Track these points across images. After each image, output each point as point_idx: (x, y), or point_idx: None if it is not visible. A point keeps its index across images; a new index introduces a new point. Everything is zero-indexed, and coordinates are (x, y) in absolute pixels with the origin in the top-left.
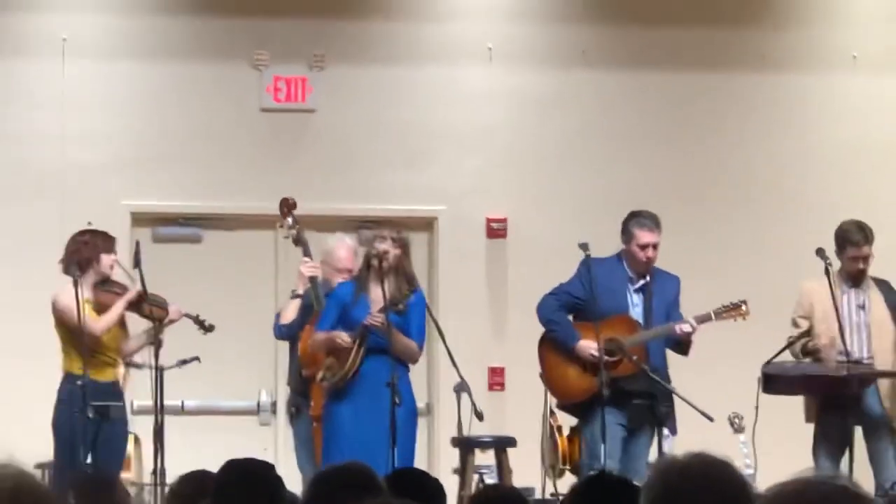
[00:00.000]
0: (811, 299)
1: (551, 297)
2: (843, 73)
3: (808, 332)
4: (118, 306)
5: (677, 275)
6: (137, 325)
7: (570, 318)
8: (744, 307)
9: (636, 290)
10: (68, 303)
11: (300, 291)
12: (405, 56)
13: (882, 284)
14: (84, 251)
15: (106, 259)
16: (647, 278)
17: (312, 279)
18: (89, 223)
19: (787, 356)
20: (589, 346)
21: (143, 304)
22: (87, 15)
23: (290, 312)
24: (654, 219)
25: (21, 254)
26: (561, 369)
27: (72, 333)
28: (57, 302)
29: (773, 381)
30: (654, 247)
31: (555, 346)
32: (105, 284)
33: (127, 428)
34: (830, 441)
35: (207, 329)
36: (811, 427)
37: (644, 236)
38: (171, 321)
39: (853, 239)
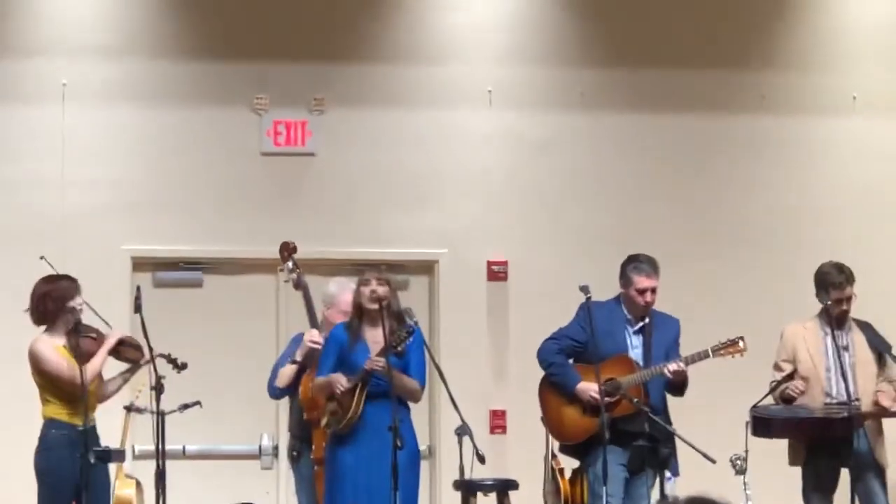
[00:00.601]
0: (794, 342)
1: (551, 341)
2: (843, 115)
3: (791, 376)
4: (102, 353)
5: (677, 317)
6: (113, 368)
7: (570, 361)
8: (741, 343)
9: (635, 332)
10: (50, 352)
11: (299, 358)
12: (405, 99)
13: (864, 326)
14: (50, 301)
15: (73, 304)
16: (647, 320)
17: (315, 351)
18: (42, 257)
19: (771, 399)
20: (589, 387)
21: (121, 347)
22: (87, 60)
23: (287, 378)
24: (651, 263)
25: (21, 300)
26: (561, 411)
27: (56, 381)
28: (38, 352)
29: (762, 425)
30: (653, 291)
31: (555, 389)
32: (77, 329)
33: (108, 471)
34: (821, 483)
35: (180, 367)
36: (797, 470)
37: (642, 282)
38: (147, 362)
39: (835, 281)
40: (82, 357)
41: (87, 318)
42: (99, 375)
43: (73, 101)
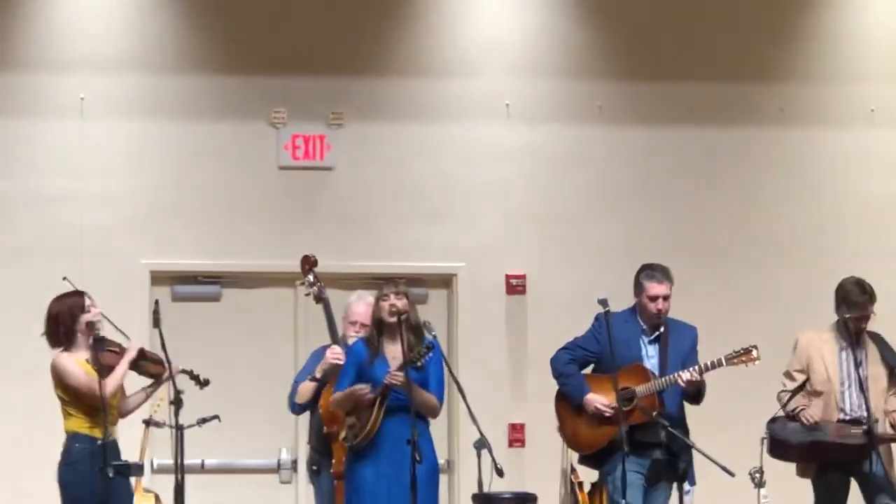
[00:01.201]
0: (809, 353)
1: (564, 351)
2: (862, 128)
3: (803, 387)
4: (123, 366)
5: (694, 326)
6: (135, 383)
7: (589, 370)
8: (754, 352)
9: (651, 342)
10: (72, 366)
11: (319, 375)
12: (423, 113)
13: (876, 338)
14: (61, 323)
15: (85, 318)
16: (662, 329)
17: (336, 367)
18: (64, 278)
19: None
20: (595, 399)
21: (142, 361)
22: (105, 74)
23: (307, 394)
24: (664, 271)
25: (40, 315)
26: (573, 422)
27: (78, 395)
28: (60, 367)
29: (779, 447)
30: (665, 298)
31: (567, 399)
32: (100, 343)
33: (131, 485)
34: (833, 497)
35: (203, 384)
36: (807, 482)
37: (654, 288)
38: (169, 378)
39: (857, 300)
40: (104, 370)
41: (107, 332)
42: (121, 390)
43: (91, 116)
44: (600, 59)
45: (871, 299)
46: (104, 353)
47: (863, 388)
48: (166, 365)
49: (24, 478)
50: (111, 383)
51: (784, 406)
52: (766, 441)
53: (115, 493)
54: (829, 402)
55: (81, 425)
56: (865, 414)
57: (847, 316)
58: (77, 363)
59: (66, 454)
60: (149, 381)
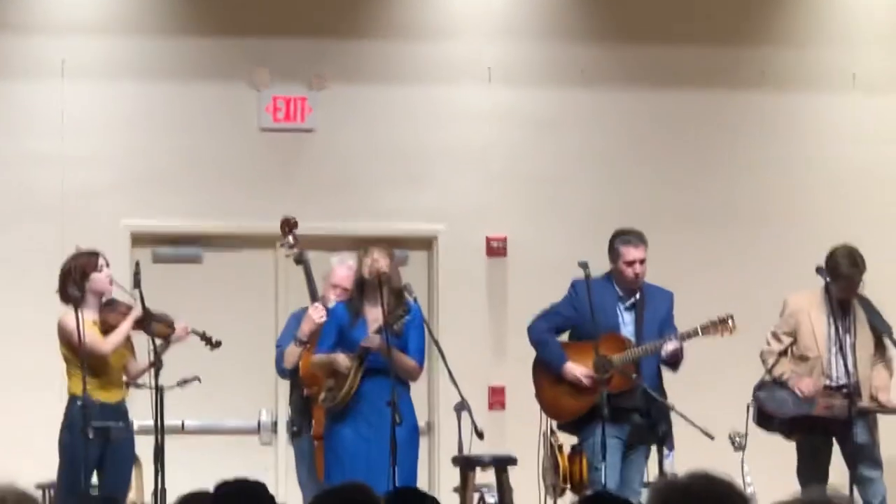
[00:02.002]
0: (798, 318)
1: (541, 319)
2: (843, 92)
3: (786, 351)
4: (125, 325)
5: (671, 290)
6: (144, 344)
7: (566, 336)
8: (730, 322)
9: (626, 309)
10: (70, 325)
11: (304, 338)
12: (405, 76)
13: (864, 303)
14: (70, 280)
15: (97, 277)
16: (638, 296)
17: (320, 326)
18: (77, 247)
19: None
20: (575, 368)
21: (150, 322)
22: (85, 36)
23: (293, 358)
24: (638, 235)
25: (21, 276)
26: (552, 390)
27: (76, 355)
28: (63, 324)
29: (767, 419)
30: (641, 262)
31: (546, 367)
32: (110, 305)
33: (133, 449)
34: (816, 462)
35: (214, 345)
36: (792, 444)
37: (629, 253)
38: (178, 338)
39: (846, 273)
40: (110, 331)
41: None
42: (130, 351)
43: (72, 78)
44: (582, 22)
45: (860, 271)
46: (111, 314)
47: (850, 354)
48: (177, 325)
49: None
50: (110, 342)
51: (770, 370)
52: (752, 409)
53: (114, 456)
54: (816, 367)
55: (79, 387)
56: (852, 381)
57: (830, 283)
58: (82, 322)
59: (64, 416)
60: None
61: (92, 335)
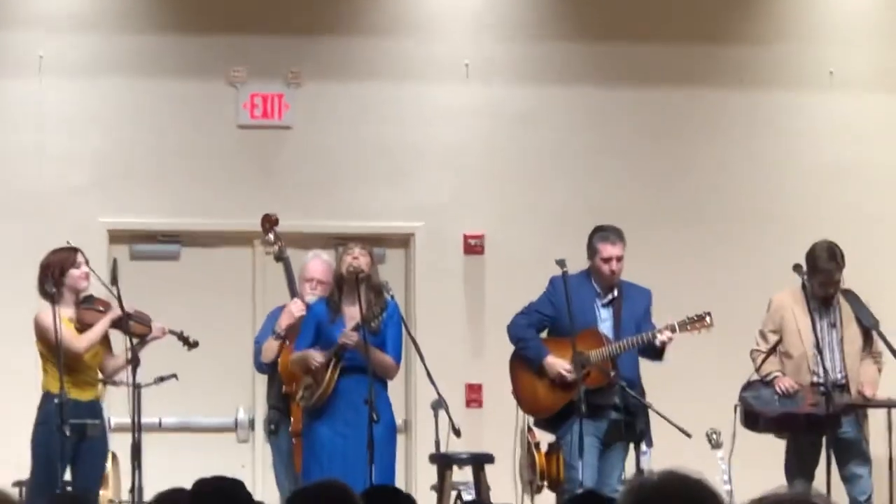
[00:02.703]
0: (782, 314)
1: (521, 316)
2: (820, 90)
3: (775, 348)
4: (102, 324)
5: (649, 288)
6: (120, 342)
7: (544, 334)
8: (707, 319)
9: (604, 305)
10: (49, 322)
11: (282, 332)
12: (382, 73)
13: (850, 297)
14: (48, 275)
15: (74, 274)
16: (616, 293)
17: (299, 320)
18: (67, 242)
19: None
20: (556, 363)
21: (127, 321)
22: (64, 32)
23: (272, 352)
24: (616, 232)
25: None
26: (531, 385)
27: (51, 351)
28: (38, 321)
29: (753, 418)
30: (618, 259)
31: (525, 363)
32: (87, 302)
33: (107, 446)
34: (804, 460)
35: (192, 345)
36: (782, 443)
37: (606, 250)
38: (155, 338)
39: (825, 267)
40: (85, 329)
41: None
42: (106, 349)
43: (49, 74)
44: (560, 20)
45: (838, 266)
46: (87, 312)
47: (836, 350)
48: (153, 325)
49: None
50: (85, 340)
51: (758, 369)
52: (738, 410)
53: (86, 453)
54: (801, 365)
55: (53, 384)
56: (840, 376)
57: (808, 279)
58: (58, 319)
59: (38, 414)
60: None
61: (67, 333)
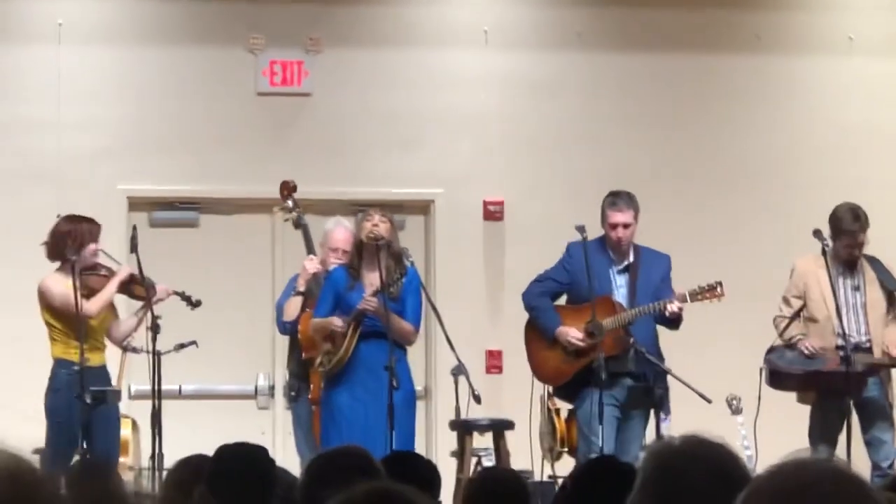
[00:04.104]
0: (806, 279)
1: (535, 283)
2: (839, 56)
3: (799, 313)
4: (110, 287)
5: (667, 254)
6: (126, 308)
7: (562, 301)
8: (719, 289)
9: (619, 272)
10: (60, 289)
11: (302, 288)
12: (401, 39)
13: (874, 262)
14: (69, 241)
15: (92, 248)
16: (632, 258)
17: (315, 275)
18: (58, 216)
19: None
20: (568, 331)
21: (132, 285)
22: (82, 0)
23: (293, 310)
24: (626, 198)
25: (17, 241)
26: (544, 354)
27: (63, 319)
28: (46, 289)
29: (779, 377)
30: (625, 226)
31: (538, 332)
32: (93, 268)
33: (119, 412)
34: (828, 424)
35: (195, 304)
36: (807, 409)
37: (614, 216)
38: (160, 300)
39: (849, 228)
40: (92, 294)
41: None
42: (112, 314)
43: (68, 42)
44: None
45: (862, 227)
46: (92, 277)
47: (861, 313)
48: (158, 288)
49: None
50: (96, 304)
51: (781, 334)
52: (764, 371)
53: (100, 419)
54: (826, 328)
55: (66, 351)
56: (864, 339)
57: (829, 244)
58: (65, 286)
59: (51, 380)
60: (139, 305)
61: (73, 300)
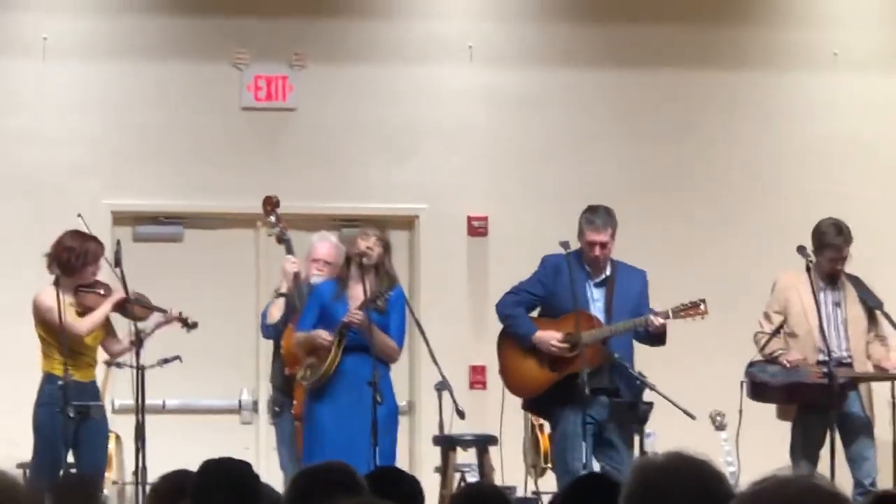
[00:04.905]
0: (787, 294)
1: (510, 294)
2: (824, 71)
3: (780, 328)
4: (103, 309)
5: (644, 270)
6: (124, 325)
7: (535, 314)
8: (702, 306)
9: (596, 286)
10: (51, 303)
11: (284, 290)
12: (386, 55)
13: (854, 281)
14: (73, 257)
15: (92, 268)
16: (609, 272)
17: (296, 275)
18: (78, 215)
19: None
20: (547, 336)
21: (129, 305)
22: (67, 14)
23: (276, 312)
24: (605, 216)
25: (0, 255)
26: (518, 364)
27: (53, 333)
28: (39, 303)
29: (760, 389)
30: (602, 246)
31: (513, 341)
32: (90, 285)
33: (107, 427)
34: (809, 441)
35: (191, 326)
36: (788, 424)
37: (590, 235)
38: (164, 324)
39: (833, 242)
40: (87, 313)
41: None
42: (108, 330)
43: (53, 56)
44: (563, 2)
45: (846, 241)
46: (89, 295)
47: (841, 328)
48: (153, 311)
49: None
50: (86, 324)
51: (762, 349)
52: (745, 384)
53: (88, 434)
54: (807, 343)
55: (55, 366)
56: (845, 354)
57: (812, 260)
58: (56, 301)
59: (38, 394)
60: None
61: (69, 317)
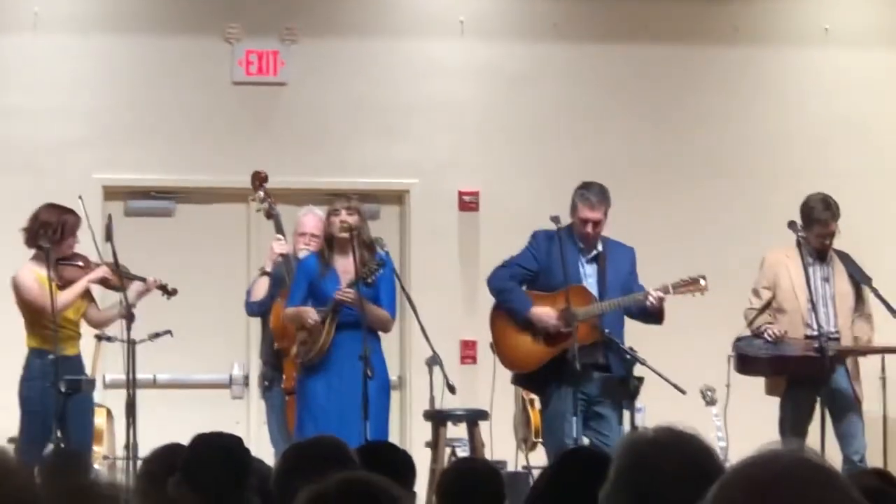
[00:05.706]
0: (776, 270)
1: (502, 268)
2: (815, 46)
3: (769, 304)
4: (80, 284)
5: (632, 247)
6: (109, 298)
7: (524, 288)
8: (702, 282)
9: (588, 261)
10: (32, 280)
11: (268, 269)
12: (377, 29)
13: (843, 257)
14: (48, 231)
15: (70, 241)
16: (600, 248)
17: (285, 256)
18: (80, 198)
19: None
20: (543, 311)
21: (110, 279)
22: None
23: (260, 290)
24: (599, 194)
25: None
26: (512, 339)
27: (35, 310)
28: (20, 280)
29: (747, 362)
30: (595, 224)
31: (507, 316)
32: (69, 258)
33: (93, 401)
34: (798, 416)
35: (171, 293)
36: (777, 400)
37: (584, 212)
38: (147, 291)
39: (821, 217)
40: (66, 286)
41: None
42: (86, 302)
43: (44, 30)
44: None
45: (834, 216)
46: (69, 268)
47: (828, 304)
48: (133, 280)
49: None
50: (63, 298)
51: (750, 324)
52: (732, 358)
53: (74, 409)
54: (795, 319)
55: (39, 341)
56: (833, 329)
57: (803, 234)
58: (36, 279)
59: (25, 370)
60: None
61: (46, 294)
